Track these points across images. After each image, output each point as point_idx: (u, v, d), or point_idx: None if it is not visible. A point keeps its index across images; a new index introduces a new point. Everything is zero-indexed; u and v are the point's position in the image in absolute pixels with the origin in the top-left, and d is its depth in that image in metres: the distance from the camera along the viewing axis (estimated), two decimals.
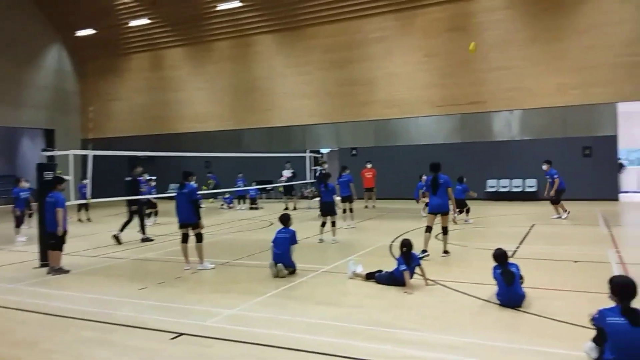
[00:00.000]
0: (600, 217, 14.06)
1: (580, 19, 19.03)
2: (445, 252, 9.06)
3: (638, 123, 22.15)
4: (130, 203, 12.35)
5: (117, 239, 11.76)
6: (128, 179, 12.68)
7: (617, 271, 7.39)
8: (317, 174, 17.30)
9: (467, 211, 14.01)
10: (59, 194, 8.89)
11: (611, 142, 18.96)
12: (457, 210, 13.68)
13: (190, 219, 8.72)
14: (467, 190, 14.17)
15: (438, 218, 9.17)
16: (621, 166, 21.82)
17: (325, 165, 17.99)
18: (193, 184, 9.06)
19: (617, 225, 12.89)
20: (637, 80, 18.17)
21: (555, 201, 14.37)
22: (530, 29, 19.79)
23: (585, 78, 18.93)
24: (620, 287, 4.14)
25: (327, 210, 11.27)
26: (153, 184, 17.30)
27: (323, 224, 11.35)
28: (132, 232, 12.22)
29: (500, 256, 6.24)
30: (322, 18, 23.22)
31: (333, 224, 11.25)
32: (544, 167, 14.70)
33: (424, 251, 8.87)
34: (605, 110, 18.99)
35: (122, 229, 12.03)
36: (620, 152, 20.57)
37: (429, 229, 9.03)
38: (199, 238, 8.72)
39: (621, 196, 19.76)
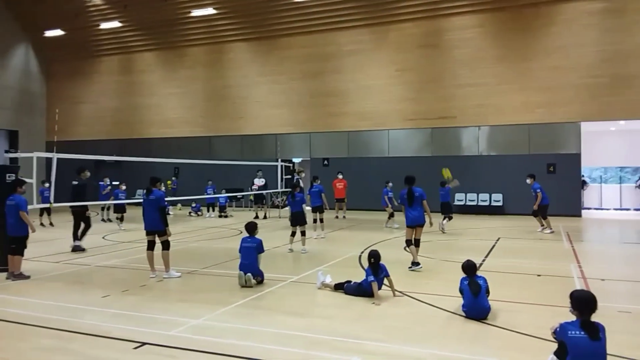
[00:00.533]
0: (563, 233, 14.45)
1: (546, 40, 19.65)
2: (415, 264, 9.00)
3: (600, 142, 22.97)
4: (80, 209, 11.53)
5: (81, 249, 11.35)
6: (75, 183, 11.70)
7: (578, 285, 7.59)
8: (295, 181, 17.33)
9: (449, 218, 14.59)
10: (20, 196, 8.62)
11: (575, 159, 19.56)
12: (445, 217, 14.47)
13: (157, 226, 8.56)
14: (449, 189, 14.87)
15: None
16: (584, 183, 22.53)
17: (303, 174, 17.98)
18: (162, 190, 8.92)
19: (580, 240, 13.26)
20: (599, 101, 18.85)
21: (537, 214, 14.86)
22: (499, 48, 20.32)
23: (550, 97, 19.54)
24: (581, 301, 4.24)
25: (297, 220, 11.28)
26: (123, 187, 17.02)
27: (293, 234, 11.35)
28: (97, 237, 11.93)
29: (469, 267, 6.33)
30: (297, 29, 23.34)
31: (303, 233, 11.26)
32: (528, 181, 15.31)
33: (417, 264, 8.89)
34: (569, 129, 19.60)
35: (81, 238, 11.55)
36: (583, 169, 21.24)
37: (409, 243, 9.03)
38: (166, 246, 8.57)
39: (584, 212, 20.40)
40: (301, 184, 14.41)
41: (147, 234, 8.67)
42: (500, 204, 20.41)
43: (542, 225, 14.79)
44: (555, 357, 4.27)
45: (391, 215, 16.02)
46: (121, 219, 16.12)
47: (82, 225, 11.59)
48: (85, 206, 11.67)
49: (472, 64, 20.60)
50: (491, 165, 20.64)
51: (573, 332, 4.07)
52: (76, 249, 11.29)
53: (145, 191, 8.70)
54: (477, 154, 20.97)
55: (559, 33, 19.46)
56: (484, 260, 9.91)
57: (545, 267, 9.18)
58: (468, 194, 20.94)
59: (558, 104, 19.44)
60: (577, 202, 19.78)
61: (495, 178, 20.46)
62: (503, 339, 5.38)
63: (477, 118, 20.72)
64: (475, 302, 5.99)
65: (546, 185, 19.37)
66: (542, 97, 19.65)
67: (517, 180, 19.85)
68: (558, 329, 4.24)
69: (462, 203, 20.90)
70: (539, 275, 8.51)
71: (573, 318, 4.25)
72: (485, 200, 20.66)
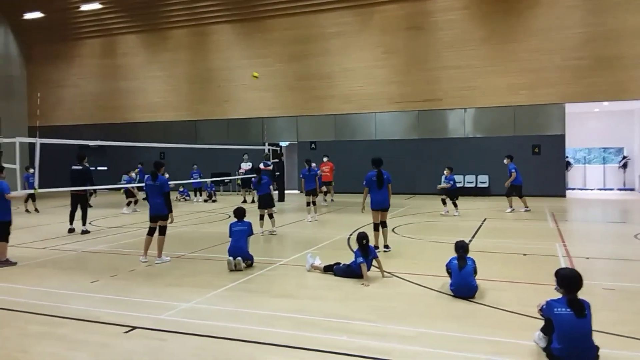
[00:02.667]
0: (548, 213, 14.65)
1: (531, 22, 19.68)
2: (387, 246, 8.92)
3: (584, 123, 23.21)
4: (85, 193, 12.26)
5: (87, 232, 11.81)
6: (78, 167, 12.08)
7: (563, 264, 7.72)
8: (270, 165, 17.89)
9: (455, 204, 14.60)
10: (2, 181, 8.47)
11: (559, 141, 19.76)
12: (452, 201, 14.42)
13: (161, 211, 8.47)
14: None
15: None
16: (568, 164, 22.81)
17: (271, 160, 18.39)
18: (166, 175, 8.85)
19: (564, 220, 13.45)
20: (582, 83, 19.01)
21: (509, 193, 15.17)
22: (483, 29, 20.31)
23: (534, 79, 19.65)
24: (567, 279, 4.32)
25: (266, 203, 11.46)
26: (133, 174, 17.14)
27: (261, 217, 11.42)
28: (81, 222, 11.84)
29: (462, 247, 6.36)
30: (281, 10, 23.06)
31: (271, 216, 11.42)
32: (505, 161, 15.66)
33: (376, 247, 8.90)
34: (553, 111, 19.76)
35: (85, 223, 11.97)
36: (568, 150, 21.48)
37: (377, 227, 8.96)
38: (162, 231, 8.50)
39: (568, 193, 20.69)
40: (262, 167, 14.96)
41: (151, 220, 8.55)
42: (486, 185, 20.60)
43: (511, 206, 15.14)
44: (541, 334, 4.36)
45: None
46: (135, 202, 16.59)
47: (81, 209, 12.05)
48: (88, 190, 12.41)
49: (457, 46, 20.58)
50: (477, 147, 20.78)
51: (559, 309, 4.15)
52: (85, 232, 11.78)
53: (150, 176, 8.57)
54: (463, 136, 21.08)
55: (543, 14, 19.49)
56: (470, 241, 10.00)
57: (531, 247, 9.32)
58: (454, 176, 21.00)
59: (542, 85, 19.56)
60: (561, 183, 20.03)
61: (481, 160, 20.61)
62: (490, 316, 5.47)
63: (462, 100, 20.78)
64: (463, 281, 6.07)
65: (531, 166, 19.68)
66: (526, 79, 19.75)
67: (502, 162, 20.03)
68: (544, 306, 4.33)
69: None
70: (524, 255, 8.63)
71: (559, 296, 4.33)
72: (472, 182, 20.84)
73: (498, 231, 11.67)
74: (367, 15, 21.92)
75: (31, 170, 15.50)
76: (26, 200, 16.81)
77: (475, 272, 6.26)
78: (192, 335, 4.98)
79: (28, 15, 25.90)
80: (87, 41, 27.35)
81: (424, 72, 21.15)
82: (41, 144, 10.24)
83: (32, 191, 12.35)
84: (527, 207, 15.07)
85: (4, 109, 27.31)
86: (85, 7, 25.09)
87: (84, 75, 27.55)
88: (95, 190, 18.55)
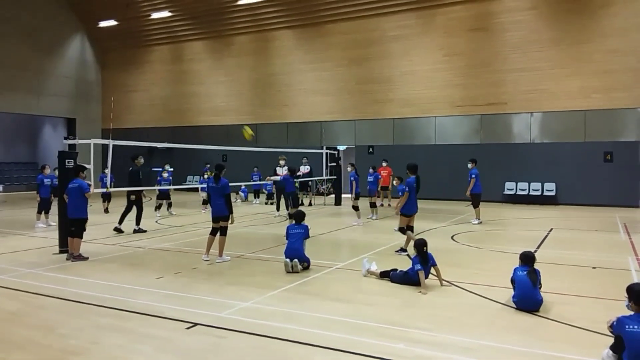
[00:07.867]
0: (620, 224, 13.85)
1: (605, 22, 18.70)
2: (404, 249, 9.29)
3: None
4: (130, 193, 12.28)
5: (119, 230, 11.99)
6: (130, 169, 12.55)
7: (636, 279, 7.28)
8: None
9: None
10: (82, 180, 9.01)
11: (634, 148, 18.62)
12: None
13: (222, 212, 8.73)
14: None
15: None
16: None
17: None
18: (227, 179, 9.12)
19: (638, 232, 12.66)
20: None
21: (476, 204, 13.85)
22: (553, 30, 19.50)
23: (608, 82, 18.63)
24: (639, 294, 4.09)
25: (293, 198, 12.47)
26: (165, 175, 17.31)
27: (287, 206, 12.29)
28: (150, 221, 12.35)
29: (529, 258, 6.11)
30: (342, 15, 23.17)
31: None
32: (469, 165, 14.11)
33: (404, 250, 9.23)
34: (628, 116, 18.66)
35: (138, 222, 12.23)
36: None
37: (412, 229, 9.43)
38: (224, 231, 8.76)
39: None
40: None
41: (213, 220, 8.85)
42: (553, 193, 19.71)
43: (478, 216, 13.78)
44: (611, 352, 4.14)
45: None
46: (169, 205, 16.49)
47: (136, 209, 12.26)
48: (139, 191, 12.31)
49: (524, 47, 19.88)
50: (544, 153, 19.93)
51: (631, 327, 3.94)
52: (138, 231, 12.06)
53: (213, 178, 8.80)
54: (528, 142, 20.30)
55: (618, 14, 18.46)
56: (535, 251, 9.59)
57: (601, 260, 8.84)
58: (519, 183, 20.34)
59: (616, 89, 18.51)
60: (635, 192, 18.83)
61: (548, 167, 19.75)
62: (556, 331, 5.23)
63: (529, 104, 20.03)
64: (527, 294, 5.82)
65: (602, 174, 18.67)
66: (599, 82, 18.76)
67: (572, 169, 19.18)
68: (615, 323, 4.12)
69: (512, 192, 20.34)
70: (594, 268, 8.20)
71: (630, 312, 4.10)
72: (537, 190, 20.01)
73: (565, 242, 11.13)
74: (429, 18, 21.61)
75: (106, 171, 16.28)
76: (104, 201, 17.60)
77: (540, 284, 6.00)
78: (249, 334, 5.09)
79: (103, 24, 27.51)
80: (156, 48, 28.66)
81: (488, 75, 20.57)
82: (113, 146, 10.81)
83: (104, 190, 12.99)
84: (479, 219, 13.76)
85: (81, 111, 29.13)
86: (155, 15, 26.32)
87: (154, 80, 28.87)
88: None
